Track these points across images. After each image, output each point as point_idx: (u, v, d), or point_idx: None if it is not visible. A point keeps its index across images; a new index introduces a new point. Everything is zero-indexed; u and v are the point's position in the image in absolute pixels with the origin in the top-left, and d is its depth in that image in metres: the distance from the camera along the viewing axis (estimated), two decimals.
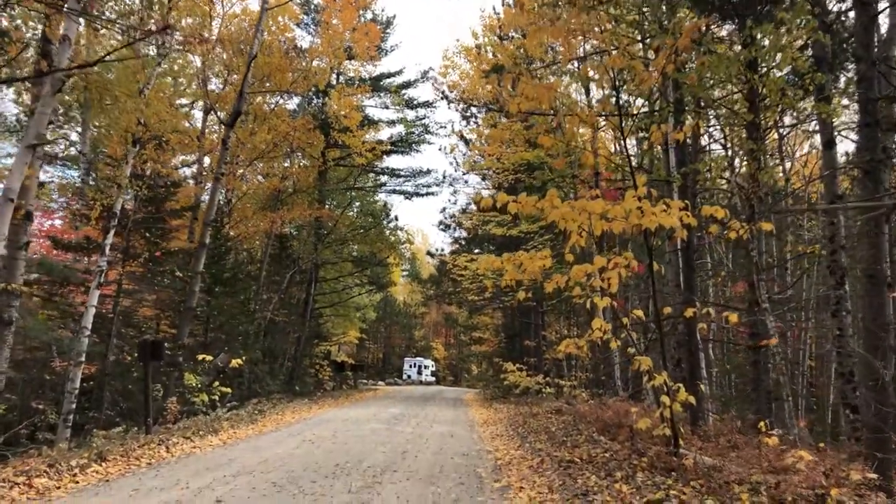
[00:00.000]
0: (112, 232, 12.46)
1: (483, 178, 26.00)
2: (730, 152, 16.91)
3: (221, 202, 21.41)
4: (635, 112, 11.89)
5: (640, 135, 12.80)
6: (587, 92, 20.02)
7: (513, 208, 7.91)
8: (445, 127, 38.94)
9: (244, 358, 17.28)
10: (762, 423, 8.64)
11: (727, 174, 14.94)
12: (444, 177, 31.65)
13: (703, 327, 8.92)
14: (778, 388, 13.70)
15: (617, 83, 10.59)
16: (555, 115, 12.35)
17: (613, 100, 10.04)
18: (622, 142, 9.08)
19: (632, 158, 7.51)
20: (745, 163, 12.79)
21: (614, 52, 11.57)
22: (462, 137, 25.34)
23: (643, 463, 7.17)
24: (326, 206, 25.75)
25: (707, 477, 6.44)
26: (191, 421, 12.01)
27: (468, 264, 21.37)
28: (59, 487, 6.28)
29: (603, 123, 14.97)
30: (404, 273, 57.80)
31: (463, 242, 29.40)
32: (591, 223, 7.55)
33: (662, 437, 7.87)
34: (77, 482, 6.54)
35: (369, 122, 24.68)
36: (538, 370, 22.19)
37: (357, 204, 29.43)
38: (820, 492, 5.55)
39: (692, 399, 7.35)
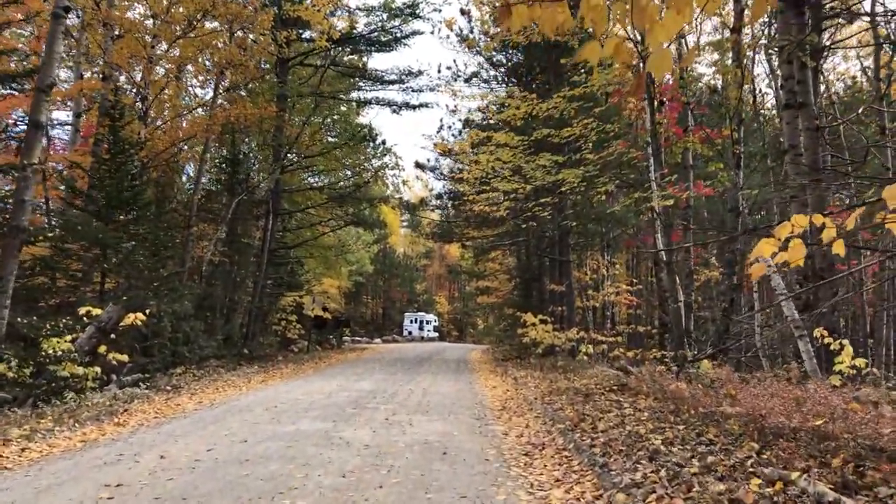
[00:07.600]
0: None
1: (492, 66, 19.58)
2: None
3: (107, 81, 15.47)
4: None
5: None
6: None
7: None
8: (440, 11, 31.97)
9: (149, 312, 11.86)
10: None
11: None
12: (440, 70, 25.17)
13: None
14: None
15: None
16: None
17: None
18: None
19: None
20: None
21: None
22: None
23: None
24: (287, 116, 19.54)
25: None
26: None
27: (476, 157, 14.67)
28: None
29: None
30: (404, 224, 51.59)
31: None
32: None
33: None
34: None
35: None
36: (569, 323, 16.45)
37: (330, 121, 22.98)
38: None
39: None
